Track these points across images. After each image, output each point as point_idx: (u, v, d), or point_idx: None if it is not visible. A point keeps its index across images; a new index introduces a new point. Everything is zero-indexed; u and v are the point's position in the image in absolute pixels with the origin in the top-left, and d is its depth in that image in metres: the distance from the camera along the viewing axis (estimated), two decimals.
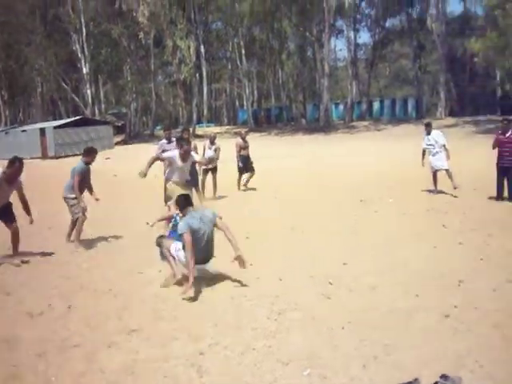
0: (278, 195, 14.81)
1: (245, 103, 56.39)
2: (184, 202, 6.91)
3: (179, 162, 9.60)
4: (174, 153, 9.79)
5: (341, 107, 54.89)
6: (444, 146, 14.13)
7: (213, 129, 48.68)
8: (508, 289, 6.38)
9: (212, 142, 15.20)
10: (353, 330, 5.28)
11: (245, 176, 16.25)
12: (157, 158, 10.10)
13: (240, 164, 15.93)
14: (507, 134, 12.80)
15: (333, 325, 5.40)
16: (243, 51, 53.00)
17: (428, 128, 14.50)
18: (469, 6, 56.42)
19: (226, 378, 4.50)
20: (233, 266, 6.80)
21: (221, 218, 6.87)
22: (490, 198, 12.94)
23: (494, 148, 13.01)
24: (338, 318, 5.58)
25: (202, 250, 6.64)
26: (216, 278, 6.99)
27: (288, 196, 14.62)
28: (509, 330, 5.18)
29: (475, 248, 8.37)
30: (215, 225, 6.78)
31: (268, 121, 56.28)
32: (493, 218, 10.73)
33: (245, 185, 16.25)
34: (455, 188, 13.78)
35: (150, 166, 9.60)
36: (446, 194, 13.77)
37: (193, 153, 10.28)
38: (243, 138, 16.22)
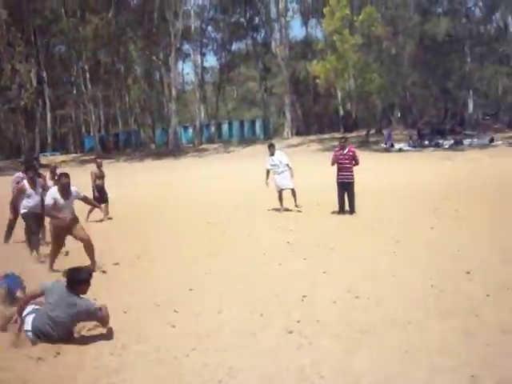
0: (127, 224, 14.44)
1: (91, 129, 54.92)
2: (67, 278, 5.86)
3: (61, 200, 8.71)
4: (52, 191, 8.85)
5: (190, 130, 55.26)
6: (288, 165, 14.60)
7: (58, 157, 46.89)
8: (347, 299, 6.67)
9: (53, 173, 14.47)
10: (197, 356, 5.19)
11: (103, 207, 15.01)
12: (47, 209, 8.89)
13: (96, 194, 14.95)
14: (344, 151, 13.53)
15: (177, 353, 5.27)
16: (88, 75, 51.75)
17: (271, 149, 14.93)
18: (310, 30, 59.55)
19: None
20: None
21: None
22: (333, 212, 13.54)
23: (332, 165, 13.68)
24: (182, 345, 5.46)
25: (47, 321, 5.59)
26: None
27: (136, 224, 14.28)
28: (348, 340, 5.39)
29: (318, 262, 8.67)
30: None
31: (116, 147, 55.16)
32: (335, 232, 11.27)
33: (107, 216, 15.20)
34: (298, 206, 14.35)
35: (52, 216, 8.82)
36: (292, 211, 14.22)
37: (73, 188, 9.04)
38: (99, 167, 15.54)
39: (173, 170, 32.48)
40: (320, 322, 5.91)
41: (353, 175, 13.56)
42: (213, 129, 54.70)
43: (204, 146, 48.46)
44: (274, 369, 4.81)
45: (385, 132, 39.73)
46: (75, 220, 9.07)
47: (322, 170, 20.11)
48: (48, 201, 8.75)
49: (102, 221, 14.88)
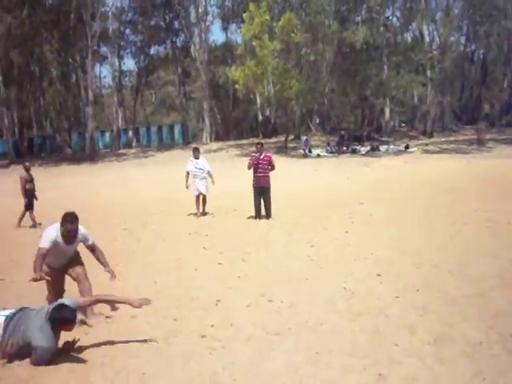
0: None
1: (4, 133, 52.71)
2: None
3: (62, 245, 6.55)
4: (52, 233, 6.46)
5: (107, 135, 54.18)
6: (209, 172, 14.61)
7: None
8: (261, 303, 6.73)
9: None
10: (110, 364, 5.07)
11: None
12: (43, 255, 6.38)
13: (26, 199, 14.58)
14: (261, 156, 13.62)
15: (90, 361, 5.14)
16: (0, 77, 49.70)
17: (196, 153, 14.90)
18: (230, 35, 59.52)
19: None
20: None
21: None
22: (250, 217, 13.61)
23: (249, 169, 13.77)
24: (93, 355, 5.31)
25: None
26: None
27: None
28: (261, 343, 5.43)
29: (233, 267, 8.71)
30: None
31: (31, 151, 53.21)
32: (252, 237, 11.31)
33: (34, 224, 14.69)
34: (205, 214, 14.61)
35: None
36: (207, 216, 14.23)
37: (82, 230, 6.77)
38: (27, 170, 15.04)
39: (90, 175, 31.71)
40: (233, 326, 5.93)
41: (269, 180, 13.69)
42: (130, 133, 53.81)
43: (121, 150, 47.65)
44: (187, 373, 4.78)
45: (302, 138, 40.30)
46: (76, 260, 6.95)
47: (240, 175, 20.24)
48: (44, 243, 6.45)
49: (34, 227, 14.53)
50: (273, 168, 13.78)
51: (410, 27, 50.87)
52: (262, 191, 13.57)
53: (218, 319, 6.15)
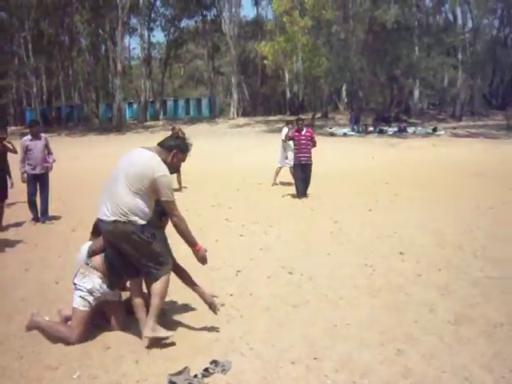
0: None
1: (33, 101, 53.16)
2: None
3: None
4: None
5: (134, 106, 54.42)
6: None
7: None
8: (280, 274, 6.74)
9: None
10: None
11: None
12: None
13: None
14: (303, 132, 13.32)
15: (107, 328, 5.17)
16: (30, 46, 50.01)
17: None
18: (261, 11, 59.31)
19: None
20: None
21: None
22: (274, 191, 13.58)
23: (286, 140, 13.66)
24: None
25: None
26: None
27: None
28: (278, 313, 5.44)
29: (255, 239, 8.74)
30: None
31: (58, 120, 53.66)
32: (275, 211, 11.37)
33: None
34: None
35: None
36: (232, 189, 14.23)
37: None
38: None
39: (117, 146, 31.72)
40: (252, 296, 5.95)
41: (311, 157, 13.32)
42: (158, 105, 53.92)
43: (148, 122, 47.78)
44: (203, 339, 4.82)
45: (349, 114, 39.81)
46: None
47: (265, 150, 20.18)
48: None
49: None
50: (314, 144, 13.38)
51: (443, 8, 49.80)
52: (304, 168, 13.23)
53: (237, 289, 6.18)
